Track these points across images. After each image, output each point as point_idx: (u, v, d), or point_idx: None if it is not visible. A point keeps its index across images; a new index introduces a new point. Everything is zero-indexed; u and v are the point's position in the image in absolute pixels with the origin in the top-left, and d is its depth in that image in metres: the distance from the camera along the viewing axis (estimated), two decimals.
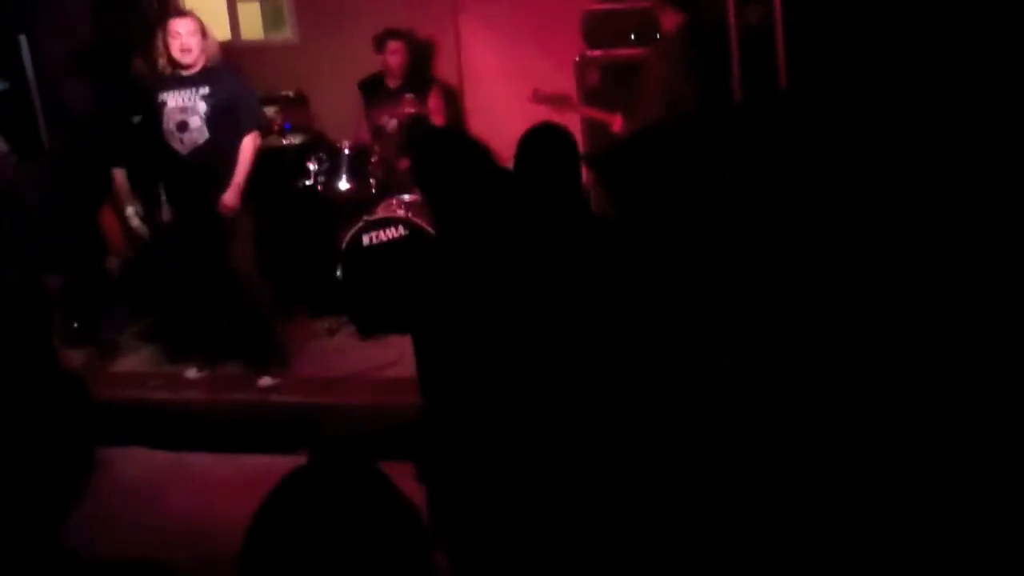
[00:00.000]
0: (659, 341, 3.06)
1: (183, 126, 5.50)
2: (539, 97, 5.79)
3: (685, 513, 2.76)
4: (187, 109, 5.50)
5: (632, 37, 6.29)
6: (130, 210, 5.94)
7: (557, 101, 5.78)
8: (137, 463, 4.95)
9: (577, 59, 6.38)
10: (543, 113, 5.10)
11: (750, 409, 2.93)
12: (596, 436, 2.94)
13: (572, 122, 5.94)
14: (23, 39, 6.82)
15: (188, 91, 5.51)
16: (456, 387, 3.09)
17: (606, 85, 6.32)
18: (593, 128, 6.05)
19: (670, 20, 5.70)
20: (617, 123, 5.68)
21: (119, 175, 5.94)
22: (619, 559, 2.70)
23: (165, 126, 5.51)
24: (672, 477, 2.82)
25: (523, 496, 2.82)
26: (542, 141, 3.48)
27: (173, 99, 5.52)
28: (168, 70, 5.56)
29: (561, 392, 3.02)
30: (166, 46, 5.52)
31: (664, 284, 3.20)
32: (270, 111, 7.07)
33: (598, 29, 6.37)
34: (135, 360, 6.19)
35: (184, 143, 5.50)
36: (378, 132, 6.49)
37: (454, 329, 3.12)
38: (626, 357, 3.02)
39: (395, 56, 6.55)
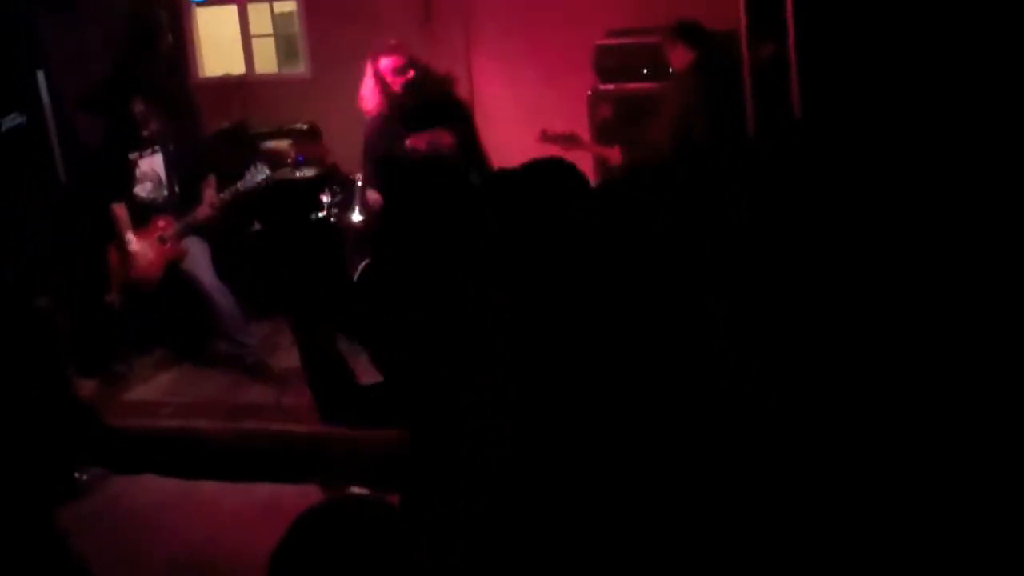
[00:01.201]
0: (658, 342, 3.06)
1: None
2: (547, 137, 5.82)
3: (685, 513, 2.75)
4: None
5: (644, 71, 6.33)
6: (129, 235, 6.01)
7: (566, 140, 5.81)
8: (147, 491, 4.93)
9: (589, 93, 6.42)
10: (555, 149, 5.13)
11: (750, 409, 2.92)
12: (597, 436, 2.93)
13: (583, 159, 5.98)
14: (41, 74, 6.88)
15: None
16: (456, 388, 3.08)
17: (618, 119, 6.35)
18: (604, 165, 6.08)
19: (680, 57, 5.74)
20: (615, 156, 5.72)
21: (119, 209, 6.02)
22: (619, 559, 2.67)
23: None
24: (672, 476, 2.80)
25: (523, 497, 2.80)
26: (546, 171, 3.54)
27: None
28: None
29: (562, 393, 3.02)
30: None
31: (661, 285, 3.20)
32: (284, 144, 7.12)
33: (610, 63, 6.42)
34: (145, 389, 6.19)
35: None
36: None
37: (454, 330, 3.11)
38: (625, 358, 3.01)
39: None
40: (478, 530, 2.75)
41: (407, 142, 5.90)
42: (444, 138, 5.99)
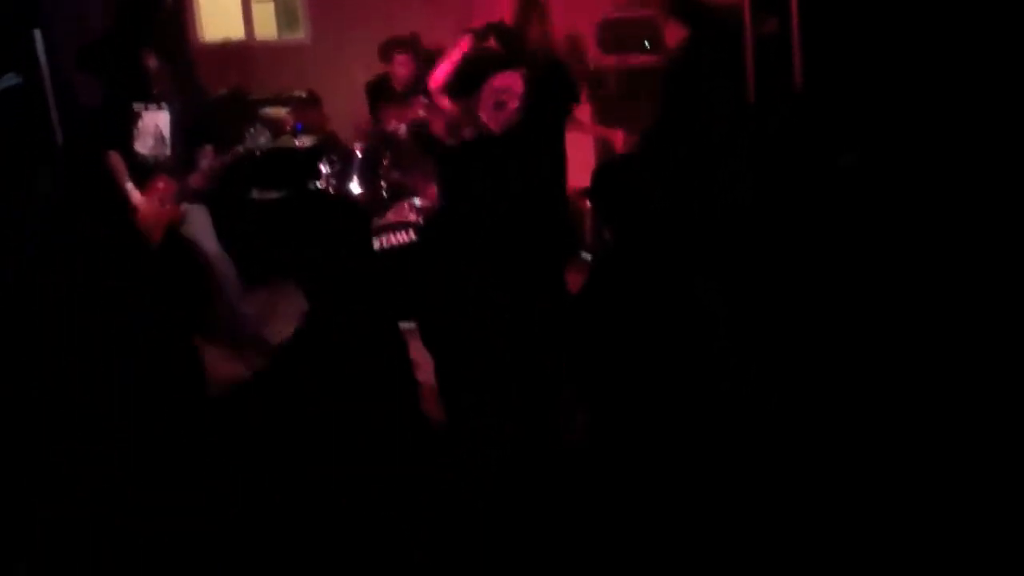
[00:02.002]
0: (657, 340, 3.05)
1: None
2: None
3: (687, 510, 2.75)
4: None
5: (646, 45, 6.29)
6: (129, 185, 5.93)
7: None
8: None
9: (591, 66, 6.39)
10: None
11: (750, 409, 2.92)
12: (598, 435, 2.93)
13: (584, 141, 5.95)
14: (38, 33, 6.82)
15: None
16: (458, 387, 3.08)
17: (620, 92, 6.32)
18: (605, 145, 6.05)
19: (673, 34, 5.71)
20: (619, 139, 5.68)
21: (115, 158, 5.92)
22: (621, 557, 2.68)
23: None
24: (675, 475, 2.80)
25: (522, 496, 2.80)
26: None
27: None
28: None
29: (561, 392, 3.02)
30: None
31: (659, 274, 3.19)
32: (282, 111, 7.08)
33: (613, 37, 6.38)
34: None
35: None
36: (387, 137, 6.46)
37: (455, 328, 3.11)
38: (625, 356, 3.01)
39: (402, 68, 6.50)
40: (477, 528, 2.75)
41: None
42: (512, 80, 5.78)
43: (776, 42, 5.67)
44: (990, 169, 4.21)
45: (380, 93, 6.65)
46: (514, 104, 5.62)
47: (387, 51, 6.52)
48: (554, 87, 5.48)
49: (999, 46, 4.45)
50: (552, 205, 4.78)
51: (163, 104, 5.95)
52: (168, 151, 5.97)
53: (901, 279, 3.74)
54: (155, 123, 5.97)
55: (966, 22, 4.50)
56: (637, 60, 6.31)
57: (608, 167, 3.94)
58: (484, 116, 5.65)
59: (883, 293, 3.66)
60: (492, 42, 5.65)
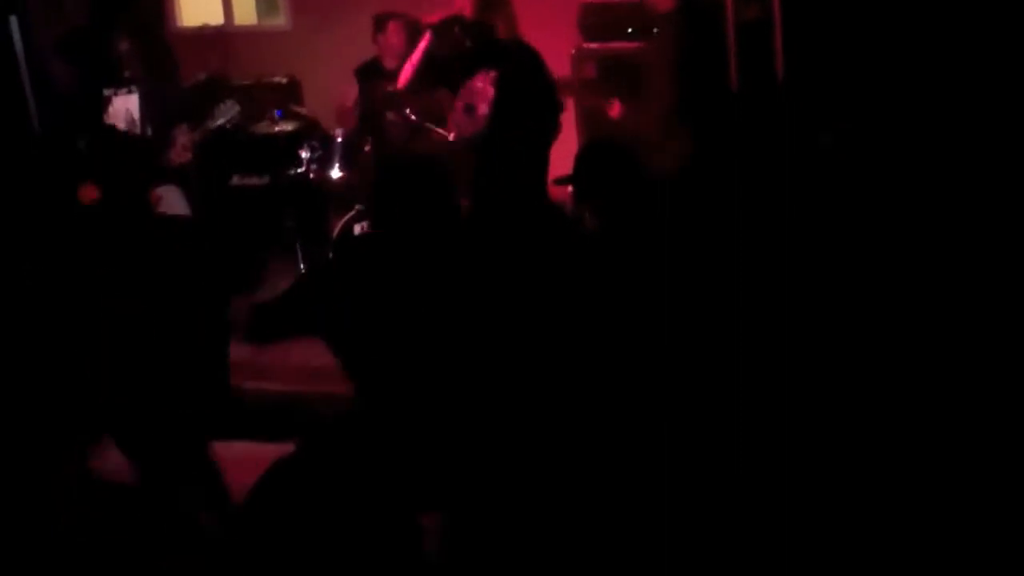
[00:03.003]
0: (654, 343, 3.04)
1: None
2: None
3: (693, 510, 2.74)
4: None
5: (628, 30, 6.27)
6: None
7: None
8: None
9: (574, 51, 6.36)
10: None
11: (755, 408, 2.91)
12: (601, 433, 2.92)
13: (568, 110, 5.92)
14: (14, 20, 6.75)
15: None
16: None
17: (602, 78, 6.31)
18: (589, 117, 6.02)
19: (664, 1, 5.68)
20: (615, 108, 5.64)
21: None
22: (624, 556, 2.67)
23: None
24: (680, 475, 2.79)
25: (519, 492, 2.79)
26: None
27: None
28: None
29: (558, 391, 3.00)
30: None
31: (645, 287, 3.18)
32: (263, 97, 7.03)
33: (595, 22, 6.37)
34: None
35: None
36: (374, 119, 6.39)
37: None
38: (624, 354, 3.00)
39: (397, 36, 6.39)
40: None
41: None
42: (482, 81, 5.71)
43: (758, 29, 5.66)
44: (972, 151, 4.22)
45: (371, 74, 6.59)
46: (484, 109, 5.57)
47: (381, 21, 6.45)
48: (530, 92, 5.39)
49: (988, 33, 4.45)
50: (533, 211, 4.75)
51: (133, 88, 5.93)
52: (139, 133, 5.94)
53: (882, 259, 3.74)
54: (126, 107, 5.95)
55: (951, 11, 4.51)
56: (619, 46, 6.29)
57: (595, 147, 3.94)
58: (452, 122, 5.55)
59: (865, 274, 3.66)
60: (458, 35, 5.58)
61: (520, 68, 5.45)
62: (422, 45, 5.85)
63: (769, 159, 4.58)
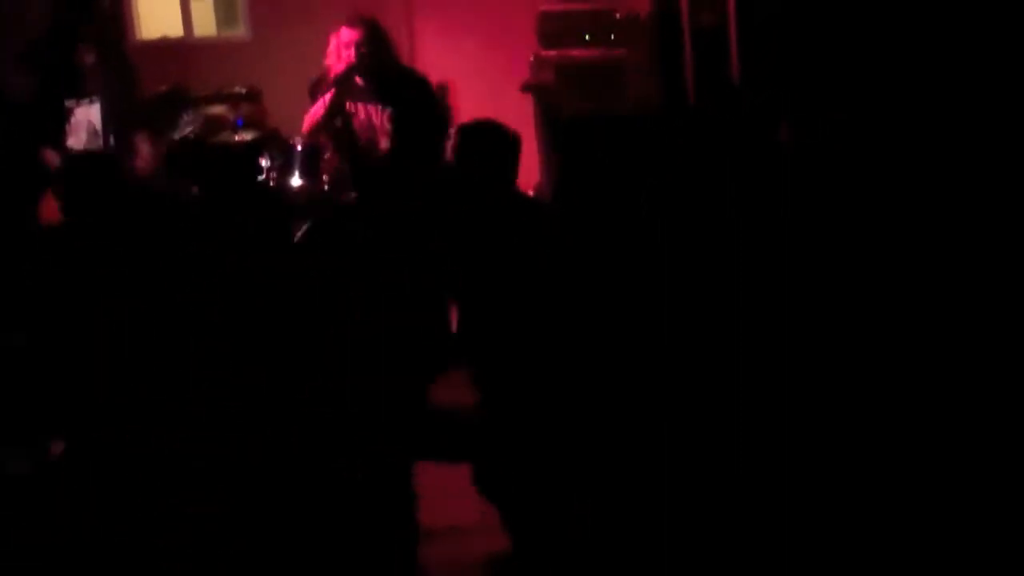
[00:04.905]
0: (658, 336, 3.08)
1: None
2: None
3: (694, 509, 2.76)
4: None
5: (587, 38, 6.33)
6: None
7: None
8: None
9: (532, 59, 6.41)
10: (492, 110, 5.11)
11: (755, 407, 2.93)
12: (602, 432, 2.94)
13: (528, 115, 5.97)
14: None
15: None
16: None
17: (560, 85, 6.35)
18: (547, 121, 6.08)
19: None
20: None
21: (51, 155, 5.88)
22: (626, 556, 2.69)
23: None
24: (680, 474, 2.81)
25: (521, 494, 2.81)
26: (480, 136, 3.69)
27: None
28: None
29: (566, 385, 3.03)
30: None
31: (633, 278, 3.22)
32: (222, 108, 7.03)
33: (553, 29, 6.41)
34: None
35: None
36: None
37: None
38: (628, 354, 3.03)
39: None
40: None
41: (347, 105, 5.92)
42: (375, 116, 5.95)
43: (713, 35, 5.73)
44: (931, 138, 4.26)
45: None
46: (384, 144, 5.80)
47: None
48: (424, 123, 5.69)
49: (943, 41, 4.51)
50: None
51: (94, 98, 5.92)
52: (101, 143, 5.94)
53: (891, 275, 3.74)
54: (87, 117, 5.94)
55: (906, 14, 4.57)
56: (578, 53, 6.34)
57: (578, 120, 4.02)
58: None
59: (876, 289, 3.66)
60: (358, 80, 5.83)
61: (412, 103, 5.80)
62: (326, 98, 5.99)
63: (727, 162, 4.63)
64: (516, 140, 3.79)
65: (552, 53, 6.39)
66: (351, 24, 5.82)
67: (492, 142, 3.69)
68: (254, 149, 6.55)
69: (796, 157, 4.22)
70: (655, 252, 3.32)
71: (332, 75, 5.91)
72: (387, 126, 5.87)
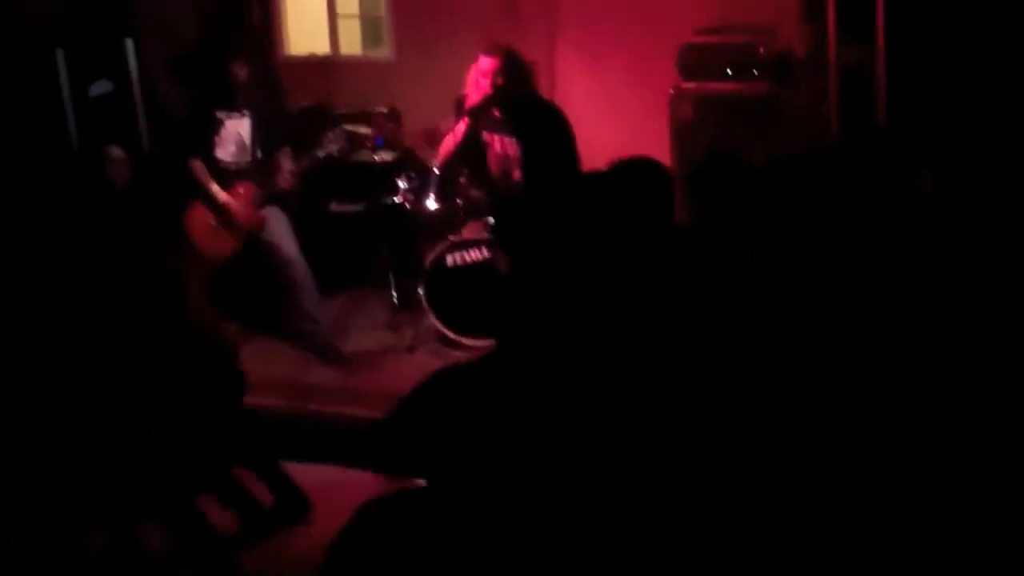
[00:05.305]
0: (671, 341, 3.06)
1: None
2: None
3: (697, 509, 2.73)
4: None
5: (728, 72, 6.26)
6: (215, 187, 6.05)
7: None
8: None
9: (672, 91, 6.37)
10: (629, 140, 5.09)
11: (758, 409, 2.89)
12: (605, 431, 2.93)
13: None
14: (129, 42, 7.00)
15: None
16: None
17: (699, 118, 6.29)
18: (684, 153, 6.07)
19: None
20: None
21: (198, 164, 6.06)
22: (627, 555, 2.66)
23: None
24: (682, 474, 2.79)
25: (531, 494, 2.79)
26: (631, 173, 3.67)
27: None
28: None
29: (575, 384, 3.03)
30: None
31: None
32: (363, 127, 7.17)
33: (694, 62, 6.36)
34: None
35: None
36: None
37: None
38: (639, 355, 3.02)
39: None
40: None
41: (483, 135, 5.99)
42: (510, 147, 6.00)
43: (860, 73, 5.63)
44: None
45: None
46: (518, 175, 5.90)
47: None
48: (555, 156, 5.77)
49: None
50: None
51: (245, 112, 6.08)
52: (249, 157, 6.10)
53: (977, 299, 3.66)
54: (237, 130, 6.10)
55: None
56: (718, 87, 6.28)
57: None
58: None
59: (961, 313, 3.59)
60: (496, 116, 5.95)
61: (542, 135, 5.85)
62: (460, 129, 6.03)
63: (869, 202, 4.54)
64: (672, 178, 3.77)
65: (692, 85, 6.34)
66: (489, 52, 5.89)
67: (649, 179, 3.67)
68: (392, 169, 6.67)
69: (937, 208, 4.11)
70: (792, 303, 3.27)
71: (468, 104, 5.99)
72: (521, 157, 5.95)
